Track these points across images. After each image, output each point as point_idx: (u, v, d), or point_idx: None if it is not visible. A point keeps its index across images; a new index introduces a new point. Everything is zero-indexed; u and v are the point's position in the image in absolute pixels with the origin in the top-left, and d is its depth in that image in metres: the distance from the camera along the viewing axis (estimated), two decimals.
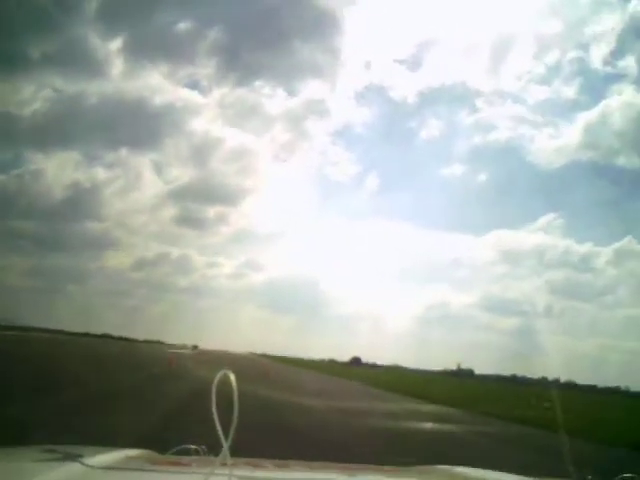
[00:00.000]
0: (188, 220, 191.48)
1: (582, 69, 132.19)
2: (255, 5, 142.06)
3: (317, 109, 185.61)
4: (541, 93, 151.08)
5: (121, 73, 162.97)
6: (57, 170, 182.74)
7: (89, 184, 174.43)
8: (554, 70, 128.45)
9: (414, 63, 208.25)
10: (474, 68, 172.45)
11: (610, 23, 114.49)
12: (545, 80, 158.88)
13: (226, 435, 0.95)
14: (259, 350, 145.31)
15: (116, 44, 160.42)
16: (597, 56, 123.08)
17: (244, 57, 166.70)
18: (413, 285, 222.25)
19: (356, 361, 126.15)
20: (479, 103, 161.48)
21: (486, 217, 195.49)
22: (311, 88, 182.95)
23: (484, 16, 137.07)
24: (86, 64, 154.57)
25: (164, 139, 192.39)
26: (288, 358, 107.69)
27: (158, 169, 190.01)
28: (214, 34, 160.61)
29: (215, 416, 0.94)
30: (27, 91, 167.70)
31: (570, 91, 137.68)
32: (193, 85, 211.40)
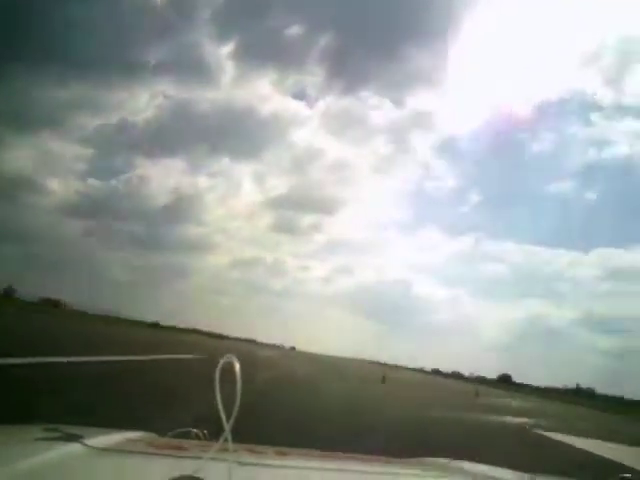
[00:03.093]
0: (284, 227, 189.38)
1: None
2: (368, 9, 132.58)
3: (423, 121, 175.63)
4: None
5: (231, 80, 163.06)
6: (162, 176, 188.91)
7: (191, 191, 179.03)
8: None
9: (529, 74, 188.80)
10: (593, 79, 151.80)
11: None
12: None
13: (228, 421, 0.94)
14: (357, 355, 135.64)
15: (227, 49, 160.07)
16: None
17: (353, 64, 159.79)
18: (511, 300, 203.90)
19: (506, 380, 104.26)
20: (595, 117, 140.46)
21: (592, 235, 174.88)
22: (419, 99, 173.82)
23: (605, 23, 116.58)
24: (198, 70, 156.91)
25: (266, 149, 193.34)
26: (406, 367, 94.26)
27: (258, 178, 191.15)
28: (324, 39, 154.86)
29: (219, 402, 0.92)
30: (142, 98, 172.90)
31: None
32: (300, 94, 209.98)
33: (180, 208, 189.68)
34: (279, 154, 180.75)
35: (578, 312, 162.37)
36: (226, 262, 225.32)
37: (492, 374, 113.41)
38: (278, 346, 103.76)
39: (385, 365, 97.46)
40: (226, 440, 0.94)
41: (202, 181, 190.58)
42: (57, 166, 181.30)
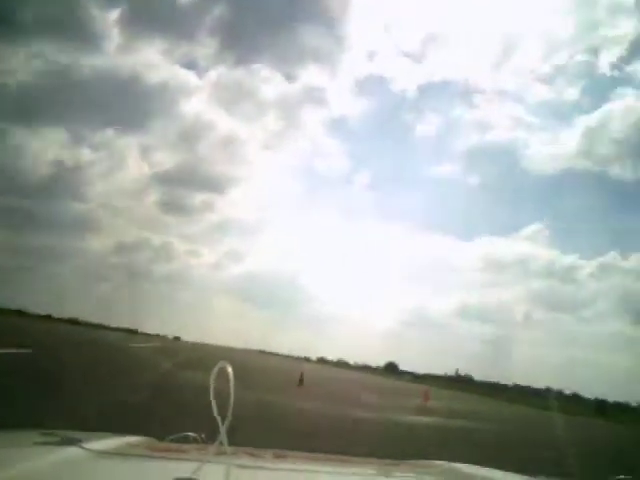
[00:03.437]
0: (172, 206, 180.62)
1: (588, 73, 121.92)
2: None
3: (314, 97, 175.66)
4: (543, 94, 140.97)
5: (117, 46, 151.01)
6: (41, 147, 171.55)
7: (73, 163, 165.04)
8: (559, 71, 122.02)
9: (418, 56, 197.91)
10: (478, 64, 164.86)
11: (625, 28, 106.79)
12: (548, 81, 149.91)
13: (223, 424, 0.98)
14: (246, 345, 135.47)
15: (115, 14, 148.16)
16: (606, 60, 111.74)
17: (246, 36, 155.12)
18: (395, 287, 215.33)
19: (393, 368, 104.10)
20: (478, 101, 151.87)
21: (472, 222, 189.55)
22: (311, 74, 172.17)
23: (493, 12, 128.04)
24: (81, 33, 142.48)
25: (153, 120, 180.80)
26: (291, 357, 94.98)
27: (145, 151, 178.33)
28: (217, 9, 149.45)
29: (214, 406, 0.96)
30: (15, 59, 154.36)
31: (572, 94, 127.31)
32: (190, 64, 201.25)
33: (59, 183, 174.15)
34: (167, 126, 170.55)
35: (457, 301, 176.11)
36: (109, 244, 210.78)
37: (375, 362, 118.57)
38: (161, 336, 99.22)
39: (271, 354, 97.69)
40: (223, 443, 0.98)
41: (85, 153, 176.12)
42: None
